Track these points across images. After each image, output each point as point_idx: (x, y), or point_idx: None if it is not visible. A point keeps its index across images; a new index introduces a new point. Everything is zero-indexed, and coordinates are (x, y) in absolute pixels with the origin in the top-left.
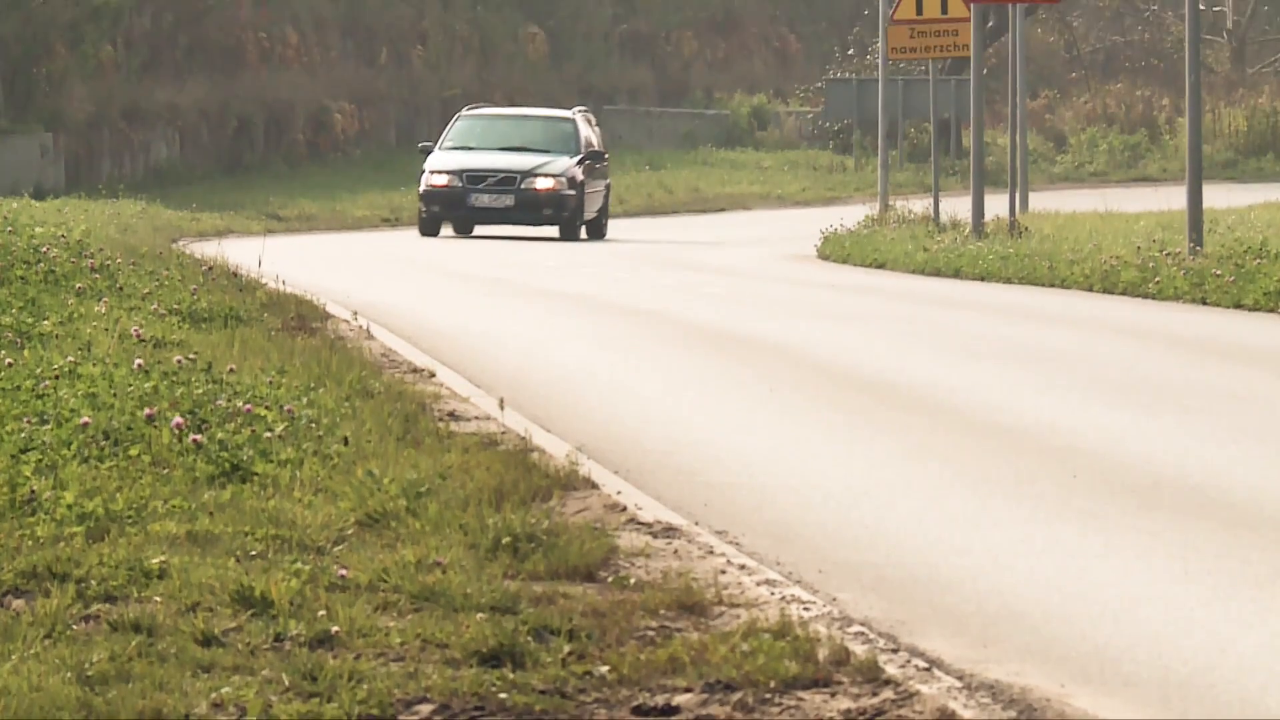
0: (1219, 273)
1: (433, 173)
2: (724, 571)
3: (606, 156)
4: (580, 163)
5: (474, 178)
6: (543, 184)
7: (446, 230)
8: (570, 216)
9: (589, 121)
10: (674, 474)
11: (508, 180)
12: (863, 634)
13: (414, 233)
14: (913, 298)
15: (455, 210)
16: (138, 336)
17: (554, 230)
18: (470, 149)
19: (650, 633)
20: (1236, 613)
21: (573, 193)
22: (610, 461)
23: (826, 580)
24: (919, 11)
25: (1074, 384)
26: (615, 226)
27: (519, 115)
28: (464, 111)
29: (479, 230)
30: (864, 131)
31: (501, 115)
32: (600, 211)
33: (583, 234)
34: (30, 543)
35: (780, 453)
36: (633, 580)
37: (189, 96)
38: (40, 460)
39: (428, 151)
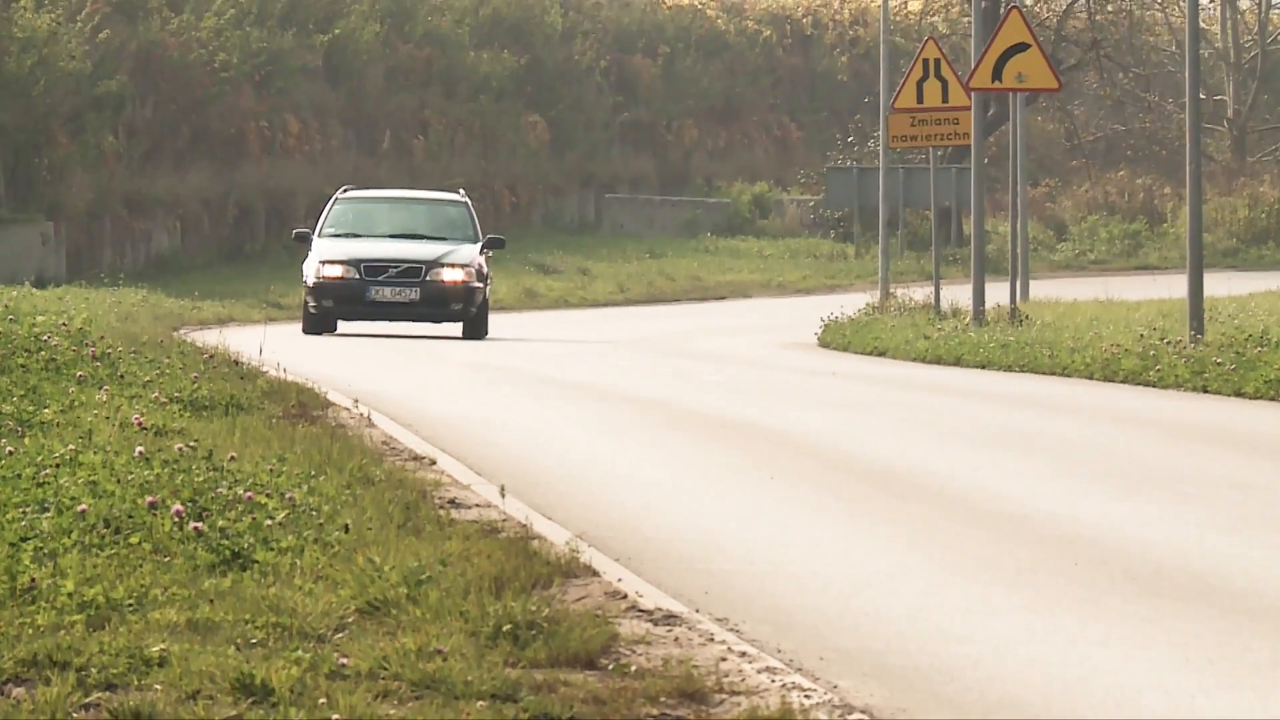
0: (1220, 361)
1: (324, 263)
2: (725, 659)
3: (504, 242)
4: (482, 251)
5: (373, 268)
6: (450, 275)
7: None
8: (479, 312)
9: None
10: (675, 561)
11: (412, 271)
12: None
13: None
14: (913, 385)
15: (351, 305)
16: (139, 424)
17: (457, 328)
18: (360, 236)
19: None
20: (1238, 700)
21: (481, 284)
22: (611, 549)
23: (827, 668)
24: (920, 99)
25: (1075, 472)
26: (620, 314)
27: (408, 199)
28: (341, 194)
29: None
30: (865, 219)
31: (388, 199)
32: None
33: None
34: (30, 631)
35: (781, 540)
36: (633, 668)
37: (190, 185)
38: (40, 548)
39: (304, 238)
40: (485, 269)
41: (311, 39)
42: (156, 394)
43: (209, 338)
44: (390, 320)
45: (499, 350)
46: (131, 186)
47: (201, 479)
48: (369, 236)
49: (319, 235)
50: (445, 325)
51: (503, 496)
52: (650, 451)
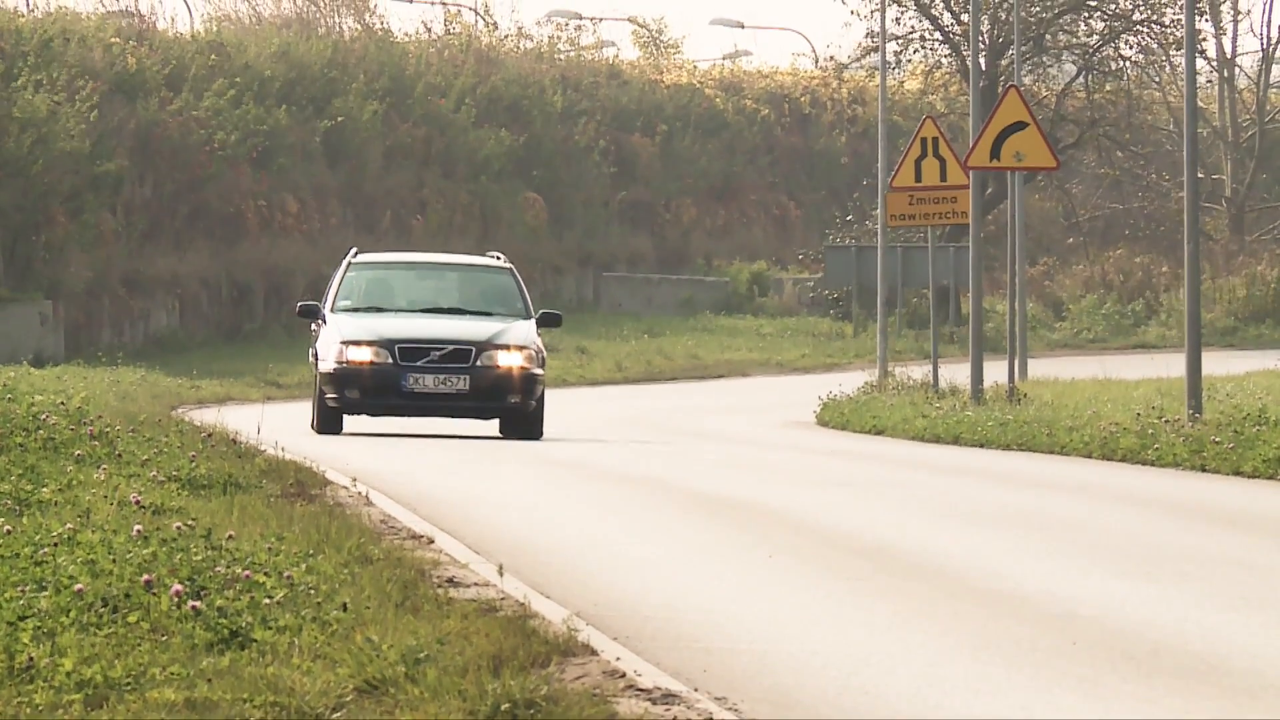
0: (1218, 440)
1: (348, 344)
2: None
3: (561, 319)
4: (538, 329)
5: (410, 351)
6: (506, 360)
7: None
8: (537, 407)
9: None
10: (673, 640)
11: (460, 354)
12: None
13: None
14: (912, 464)
15: (382, 397)
16: (137, 503)
17: (511, 423)
18: (385, 310)
19: None
20: None
21: (540, 371)
22: (609, 628)
23: None
24: (918, 178)
25: (1073, 550)
26: (618, 392)
27: (438, 264)
28: (353, 258)
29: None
30: (863, 298)
31: (412, 264)
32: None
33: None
34: (28, 710)
35: (779, 618)
36: None
37: (189, 264)
38: (39, 627)
39: (312, 313)
40: (544, 352)
41: (310, 119)
42: (155, 473)
43: (207, 417)
44: (430, 415)
45: (493, 427)
46: (130, 266)
47: (200, 558)
48: (396, 311)
49: (332, 310)
50: (491, 421)
51: (501, 575)
52: (649, 529)
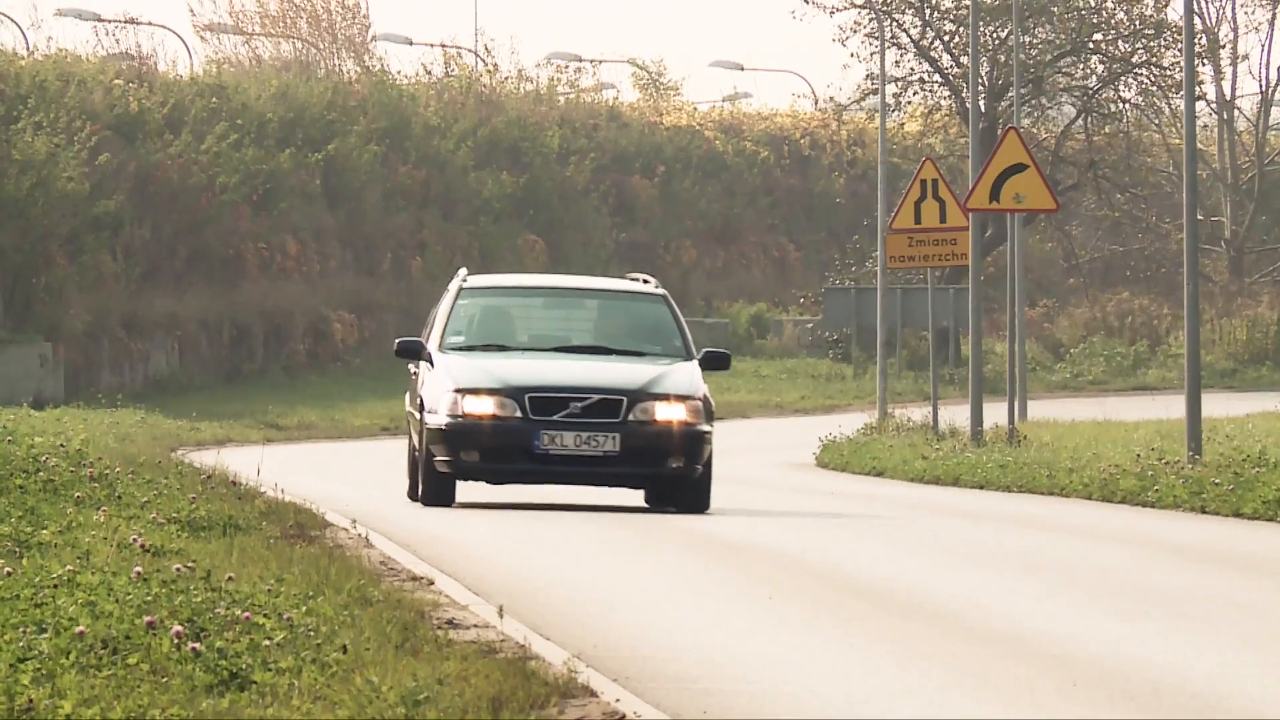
0: (1218, 481)
1: (464, 392)
2: None
3: (729, 359)
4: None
5: (545, 402)
6: (666, 413)
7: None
8: (704, 472)
9: None
10: (673, 681)
11: (608, 407)
12: None
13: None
14: (911, 505)
15: (509, 461)
16: (137, 545)
17: (668, 493)
18: (509, 349)
19: None
20: None
21: (709, 428)
22: (609, 669)
23: None
24: (917, 220)
25: (1073, 591)
26: None
27: (573, 289)
28: (464, 283)
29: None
30: (863, 340)
31: (541, 289)
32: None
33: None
34: None
35: (779, 659)
36: None
37: (188, 306)
38: (38, 669)
39: (414, 352)
40: (711, 403)
41: (310, 161)
42: (154, 514)
43: (207, 458)
44: (569, 483)
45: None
46: (129, 307)
47: (199, 599)
48: (522, 350)
49: (440, 348)
50: (639, 489)
51: (501, 617)
52: (647, 571)
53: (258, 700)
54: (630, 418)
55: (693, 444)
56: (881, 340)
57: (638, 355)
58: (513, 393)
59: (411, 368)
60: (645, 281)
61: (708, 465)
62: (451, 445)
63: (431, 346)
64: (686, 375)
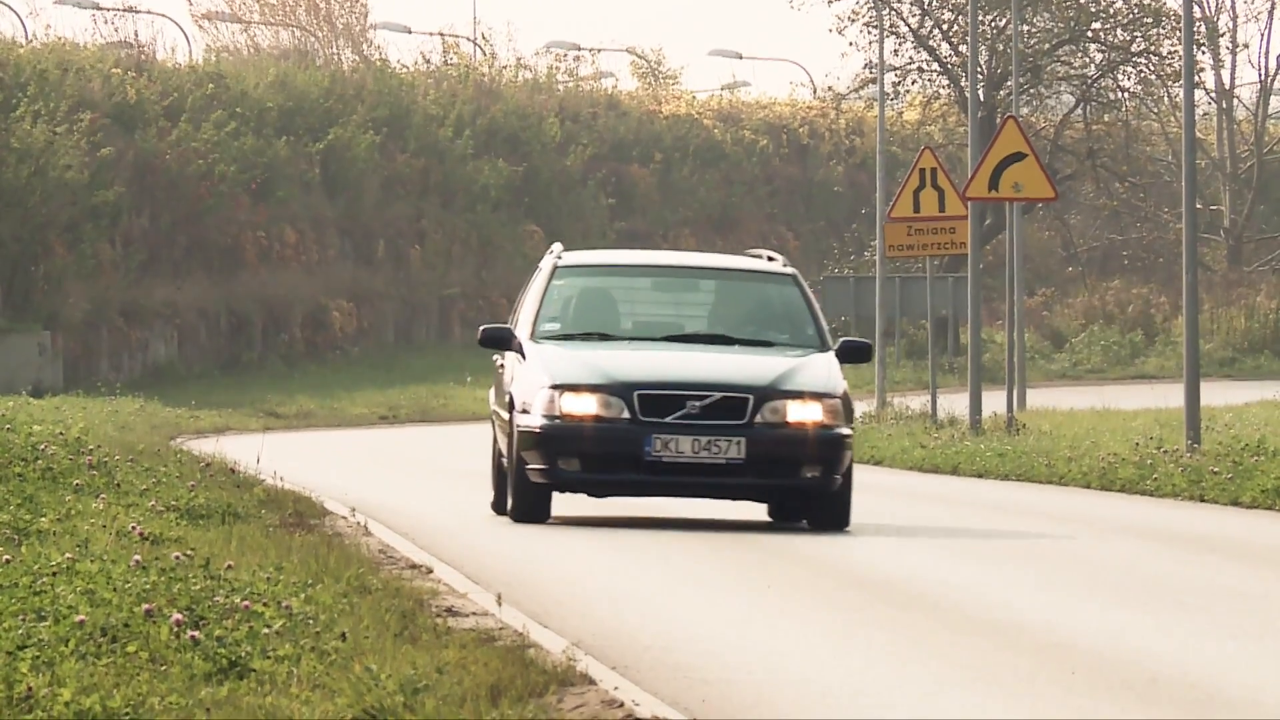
0: (1216, 470)
1: (562, 388)
2: None
3: (870, 351)
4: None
5: (657, 401)
6: (799, 413)
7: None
8: (844, 483)
9: None
10: (672, 670)
11: (731, 407)
12: None
13: (413, 437)
14: (910, 494)
15: (616, 469)
16: (135, 533)
17: (799, 506)
18: (613, 339)
19: None
20: None
21: (849, 431)
22: (608, 658)
23: None
24: (916, 209)
25: (1072, 581)
26: None
27: (686, 267)
28: (559, 261)
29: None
30: (861, 328)
31: (648, 267)
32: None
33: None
34: None
35: (778, 649)
36: None
37: (187, 295)
38: (37, 657)
39: (503, 340)
40: (851, 401)
41: (308, 149)
42: (153, 503)
43: (206, 447)
44: (685, 495)
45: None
46: (128, 296)
47: (198, 587)
48: (629, 339)
49: (533, 337)
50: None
51: (499, 605)
52: (646, 561)
53: (257, 688)
54: (757, 419)
55: (831, 450)
56: (880, 329)
57: (764, 345)
58: (620, 390)
59: (497, 359)
60: (770, 259)
61: (848, 475)
62: (547, 451)
63: (522, 335)
64: (822, 369)
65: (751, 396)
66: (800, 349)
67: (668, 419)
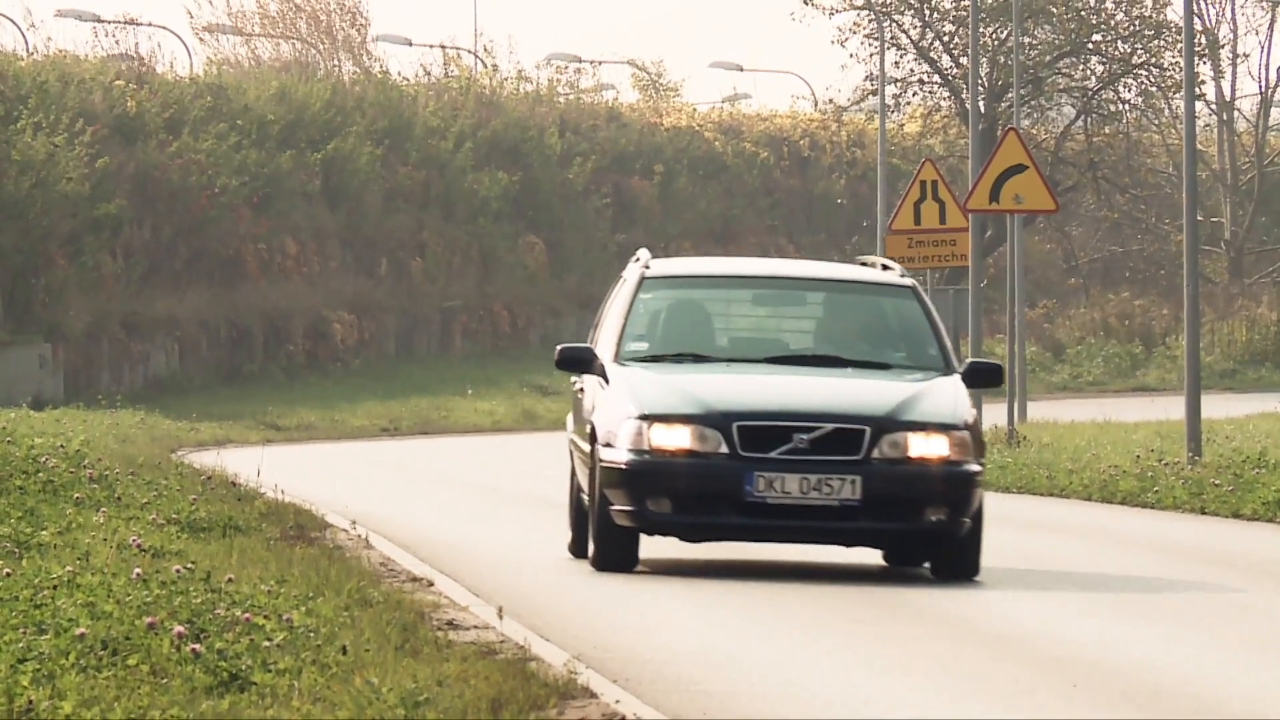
0: (1218, 482)
1: (651, 420)
2: None
3: (1000, 373)
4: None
5: (760, 434)
6: (922, 447)
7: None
8: (973, 526)
9: None
10: (673, 683)
11: (843, 440)
12: None
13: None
14: None
15: (712, 512)
16: (136, 546)
17: (920, 550)
18: (708, 360)
19: None
20: None
21: (979, 467)
22: (609, 670)
23: None
24: (917, 221)
25: (1072, 592)
26: None
27: (790, 278)
28: (646, 270)
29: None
30: None
31: (747, 279)
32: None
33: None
34: None
35: (779, 660)
36: None
37: (188, 307)
38: (38, 670)
39: (583, 362)
40: (980, 432)
41: (309, 160)
42: (154, 515)
43: (207, 459)
44: (793, 540)
45: (491, 469)
46: (129, 308)
47: (199, 600)
48: (727, 361)
49: (617, 358)
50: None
51: (500, 618)
52: (649, 573)
53: (258, 701)
54: (874, 454)
55: (959, 489)
56: None
57: (880, 368)
58: (717, 420)
59: (575, 381)
60: (885, 267)
61: (978, 518)
62: (635, 490)
63: (604, 356)
64: (948, 395)
65: (868, 428)
66: (921, 372)
67: (772, 454)
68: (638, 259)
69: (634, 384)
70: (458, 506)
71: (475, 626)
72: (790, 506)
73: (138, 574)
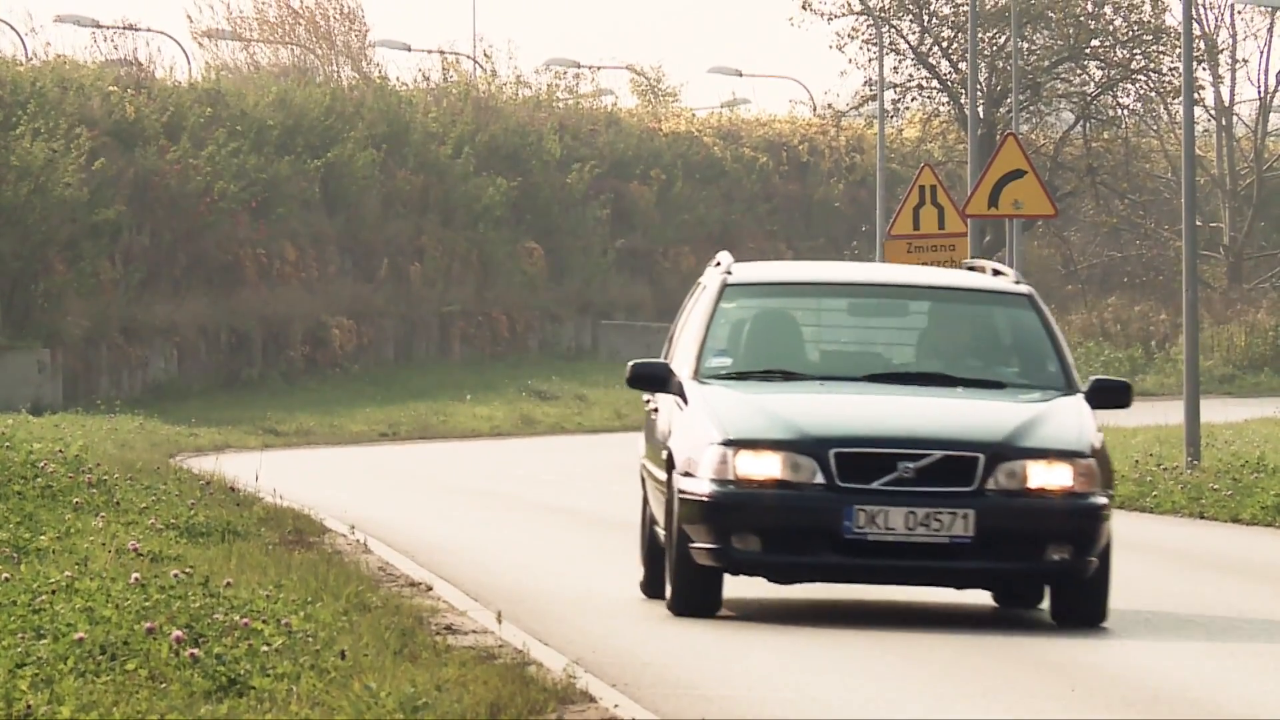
0: (1216, 487)
1: (736, 446)
2: None
3: (1130, 392)
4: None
5: (859, 462)
6: (1043, 477)
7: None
8: (1100, 565)
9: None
10: (672, 687)
11: (954, 469)
12: None
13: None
14: None
15: (807, 550)
16: (135, 551)
17: (1037, 591)
18: (798, 378)
19: None
20: None
21: (1106, 499)
22: (608, 675)
23: None
24: (916, 226)
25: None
26: (617, 440)
27: (892, 286)
28: (728, 276)
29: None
30: None
31: (841, 286)
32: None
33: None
34: None
35: (778, 664)
36: None
37: (187, 312)
38: (37, 675)
39: (659, 379)
40: (1109, 461)
41: (308, 166)
42: (153, 520)
43: (205, 464)
44: (899, 582)
45: (492, 474)
46: (128, 314)
47: (198, 605)
48: (820, 379)
49: (697, 375)
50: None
51: (499, 622)
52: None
53: (256, 706)
54: (989, 485)
55: (1084, 524)
56: None
57: (994, 387)
58: (812, 447)
59: (648, 401)
60: (997, 272)
61: (1105, 556)
62: (718, 525)
63: (682, 373)
64: (1072, 418)
65: (982, 456)
66: (1040, 391)
67: (873, 485)
68: (718, 263)
69: (716, 405)
70: (457, 511)
71: (474, 631)
72: (894, 544)
73: (136, 579)
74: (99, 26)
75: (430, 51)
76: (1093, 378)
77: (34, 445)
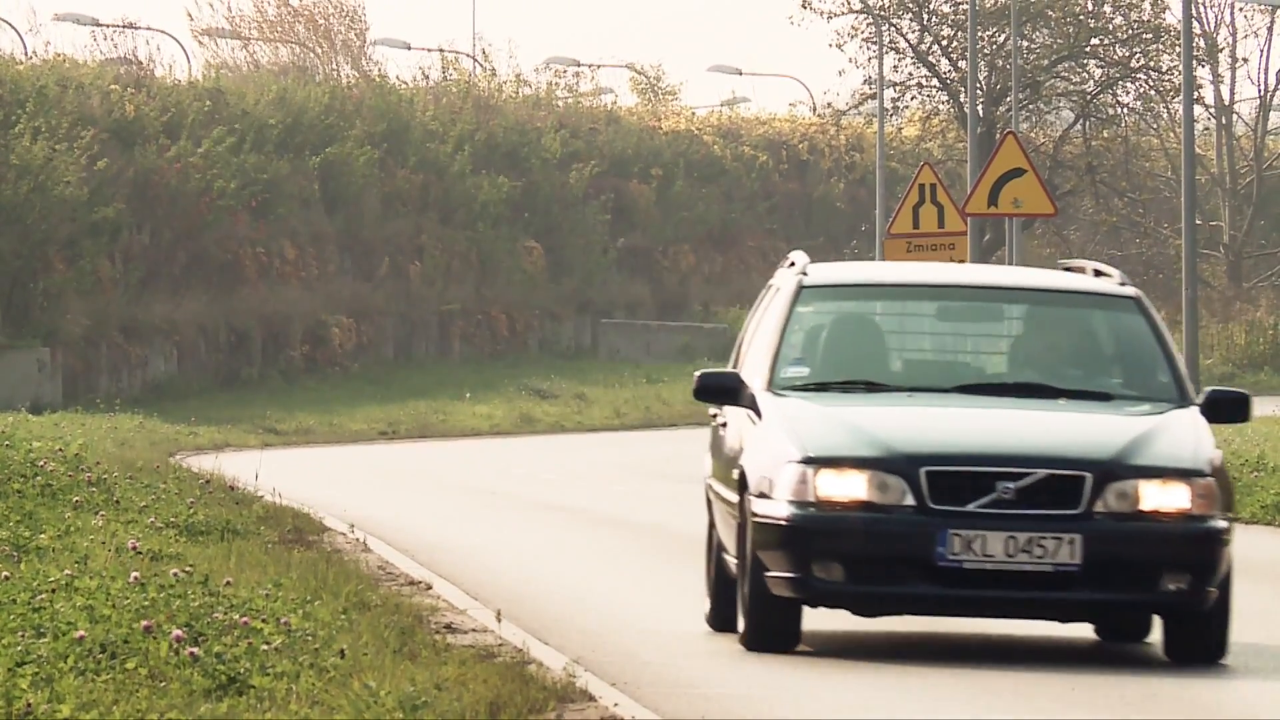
0: None
1: (817, 464)
2: None
3: (1248, 404)
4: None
5: (954, 481)
6: (1156, 498)
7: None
8: (1220, 595)
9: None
10: (671, 686)
11: (1060, 491)
12: None
13: (419, 452)
14: None
15: (896, 580)
16: (135, 550)
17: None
18: (883, 389)
19: None
20: None
21: (1225, 524)
22: (608, 674)
23: None
24: (916, 225)
25: None
26: (616, 439)
27: (986, 289)
28: (803, 276)
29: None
30: None
31: (928, 288)
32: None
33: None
34: None
35: (778, 665)
36: None
37: (187, 311)
38: (36, 673)
39: (730, 390)
40: (1228, 480)
41: (307, 164)
42: (152, 519)
43: (205, 463)
44: (998, 615)
45: (493, 473)
46: (128, 313)
47: (197, 604)
48: (908, 390)
49: (770, 386)
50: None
51: (499, 621)
52: (647, 577)
53: (256, 705)
54: (1097, 507)
55: (1203, 550)
56: None
57: (1099, 399)
58: (901, 465)
59: (715, 415)
60: (1099, 273)
61: (1225, 586)
62: (798, 553)
63: (755, 384)
64: (1187, 433)
65: (1089, 475)
66: (1150, 403)
67: (969, 507)
68: (792, 263)
69: (794, 419)
70: (457, 510)
71: (473, 630)
72: (992, 573)
73: (136, 577)
74: (99, 25)
75: (430, 50)
76: (1208, 389)
77: (34, 444)
